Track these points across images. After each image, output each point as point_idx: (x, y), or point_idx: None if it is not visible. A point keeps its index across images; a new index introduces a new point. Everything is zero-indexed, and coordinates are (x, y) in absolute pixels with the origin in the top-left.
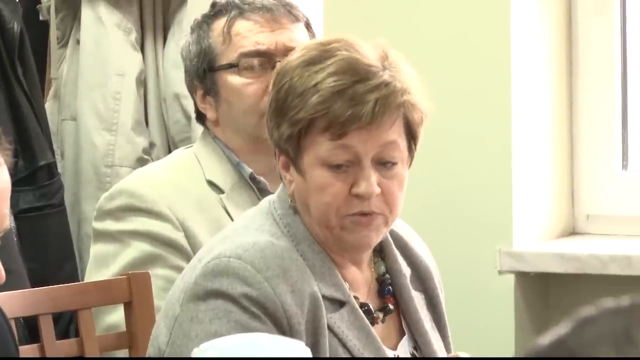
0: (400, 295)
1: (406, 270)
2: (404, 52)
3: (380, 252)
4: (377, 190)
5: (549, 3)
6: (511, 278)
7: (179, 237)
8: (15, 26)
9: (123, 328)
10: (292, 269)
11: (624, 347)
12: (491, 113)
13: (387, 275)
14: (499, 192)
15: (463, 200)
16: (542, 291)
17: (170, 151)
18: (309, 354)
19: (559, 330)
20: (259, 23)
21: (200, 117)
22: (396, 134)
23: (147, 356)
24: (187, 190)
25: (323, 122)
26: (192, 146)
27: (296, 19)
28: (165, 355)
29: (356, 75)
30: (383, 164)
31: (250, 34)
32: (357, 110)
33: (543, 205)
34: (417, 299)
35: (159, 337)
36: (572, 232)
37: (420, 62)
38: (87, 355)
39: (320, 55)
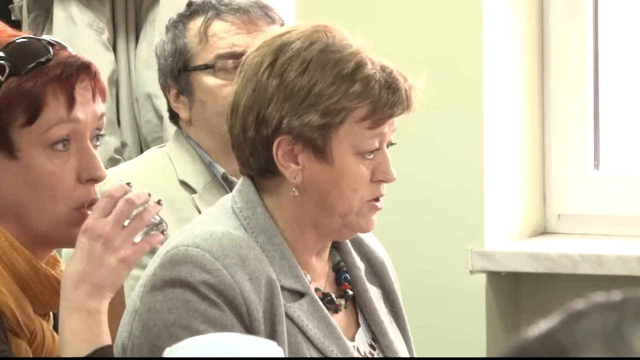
0: (356, 287)
1: (360, 264)
2: (375, 52)
3: (334, 242)
4: None
5: (521, 4)
6: (483, 278)
7: None
8: None
9: None
10: (249, 257)
11: (614, 342)
12: (463, 113)
13: (343, 263)
14: (471, 192)
15: (434, 201)
16: (513, 291)
17: (142, 151)
18: (281, 354)
19: (549, 323)
20: (236, 24)
21: (173, 117)
22: None
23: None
24: (159, 189)
25: (364, 111)
26: (164, 146)
27: (272, 20)
28: (128, 349)
29: (377, 64)
30: (387, 146)
31: (226, 35)
32: (396, 98)
33: (514, 204)
34: (373, 292)
35: (122, 334)
36: (544, 231)
37: (392, 62)
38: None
39: (331, 44)
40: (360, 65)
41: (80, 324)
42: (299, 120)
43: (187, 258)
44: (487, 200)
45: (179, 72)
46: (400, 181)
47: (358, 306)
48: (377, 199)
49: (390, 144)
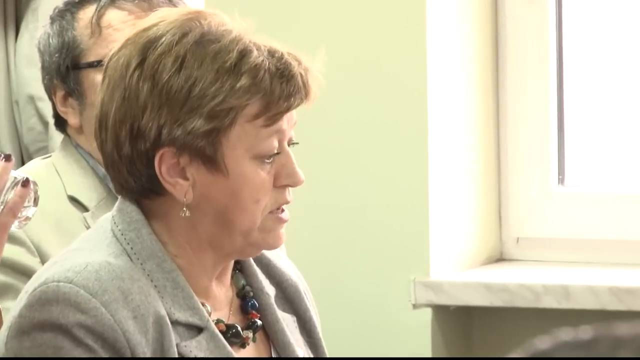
0: (265, 317)
1: (269, 289)
2: (296, 46)
3: (236, 263)
4: None
5: None
6: (428, 312)
7: (34, 263)
8: None
9: None
10: (133, 292)
11: None
12: (403, 120)
13: (249, 288)
14: (413, 212)
15: (371, 223)
16: (464, 328)
17: (23, 163)
18: None
19: None
20: (134, 13)
21: (60, 123)
22: None
23: None
24: (44, 208)
25: (256, 108)
26: (50, 156)
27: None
28: None
29: (264, 49)
30: (288, 145)
31: (123, 27)
32: (292, 87)
33: (465, 227)
34: (287, 322)
35: None
36: (500, 258)
37: (325, 64)
38: None
39: (207, 32)
40: (244, 54)
41: None
42: (181, 128)
43: (58, 296)
44: (432, 221)
45: (67, 70)
46: (333, 199)
47: (270, 339)
48: (281, 209)
49: (291, 142)
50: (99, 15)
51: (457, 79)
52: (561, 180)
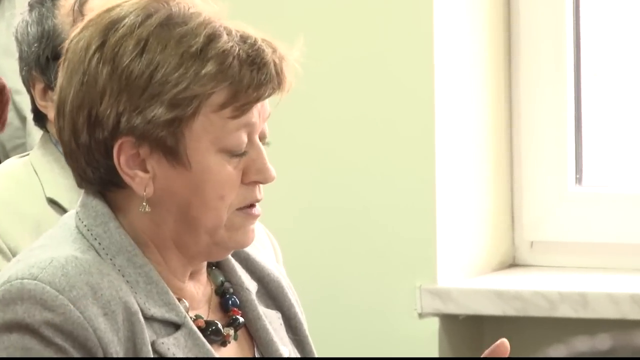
0: (246, 314)
1: (250, 285)
2: (298, 43)
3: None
4: None
5: None
6: (435, 322)
7: None
8: None
9: None
10: (102, 287)
11: None
12: (408, 115)
13: (228, 284)
14: (419, 215)
15: (374, 225)
16: (474, 338)
17: None
18: None
19: None
20: None
21: (39, 118)
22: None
23: None
24: (21, 211)
25: (222, 97)
26: (28, 154)
27: None
28: None
29: (236, 34)
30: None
31: None
32: (263, 75)
33: (475, 230)
34: (272, 319)
35: None
36: (512, 263)
37: (328, 62)
38: None
39: (174, 14)
40: (212, 39)
41: None
42: (141, 117)
43: (22, 294)
44: (440, 224)
45: (47, 61)
46: (334, 203)
47: (252, 337)
48: (252, 205)
49: (264, 140)
50: (82, 2)
51: (466, 74)
52: (578, 180)
